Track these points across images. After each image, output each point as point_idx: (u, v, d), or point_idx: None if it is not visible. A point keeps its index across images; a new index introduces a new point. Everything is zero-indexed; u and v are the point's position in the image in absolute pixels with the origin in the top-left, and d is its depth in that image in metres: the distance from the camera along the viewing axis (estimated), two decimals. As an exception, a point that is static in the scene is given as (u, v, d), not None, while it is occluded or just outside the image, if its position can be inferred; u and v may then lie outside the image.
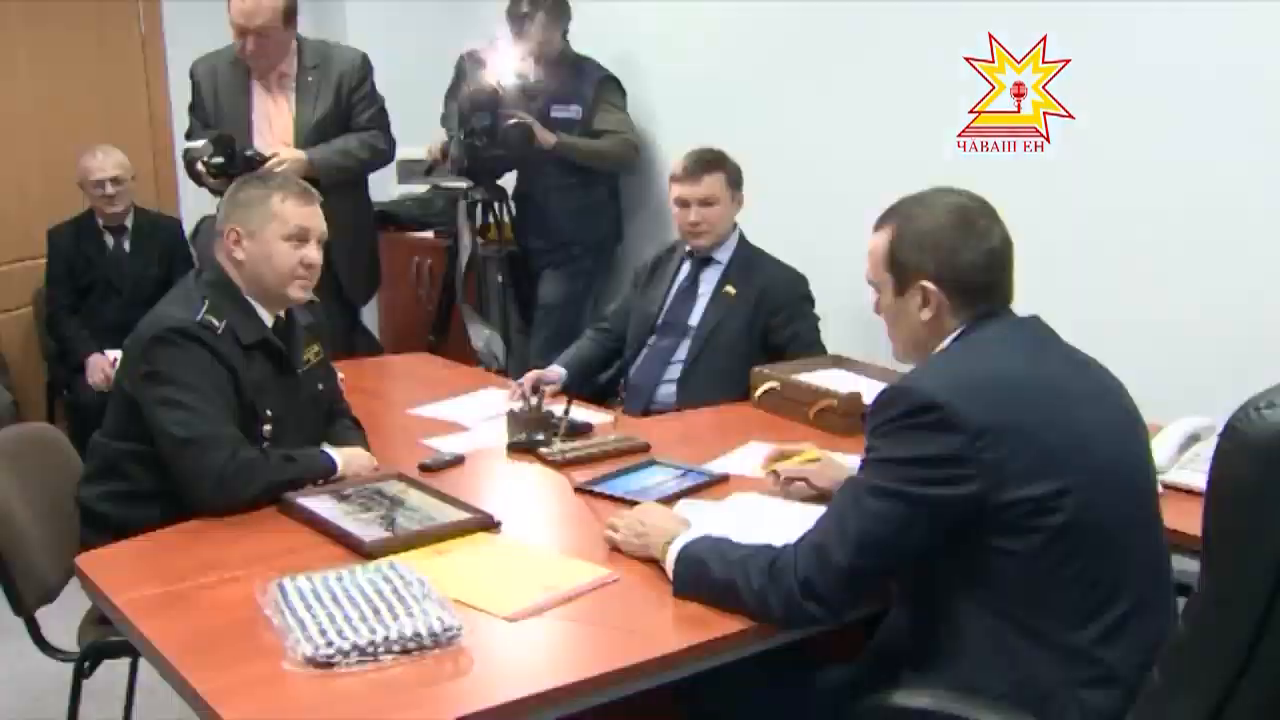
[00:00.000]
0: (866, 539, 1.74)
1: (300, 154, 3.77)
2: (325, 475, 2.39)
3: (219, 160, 3.59)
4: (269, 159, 3.66)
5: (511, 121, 4.06)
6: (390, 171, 5.18)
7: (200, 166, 3.62)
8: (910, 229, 1.88)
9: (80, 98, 4.91)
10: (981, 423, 1.69)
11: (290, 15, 3.78)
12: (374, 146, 3.93)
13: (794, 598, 1.76)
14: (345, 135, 3.89)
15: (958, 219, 1.86)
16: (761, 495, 2.34)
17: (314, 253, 2.46)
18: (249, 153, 3.65)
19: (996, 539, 1.70)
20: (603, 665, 1.71)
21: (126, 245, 4.50)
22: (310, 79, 3.87)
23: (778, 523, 2.10)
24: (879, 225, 1.95)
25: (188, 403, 2.28)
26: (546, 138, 4.15)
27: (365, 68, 3.94)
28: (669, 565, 1.92)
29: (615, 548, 2.06)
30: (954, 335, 1.87)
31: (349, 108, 3.90)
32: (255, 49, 3.74)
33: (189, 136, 3.90)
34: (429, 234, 5.05)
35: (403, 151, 5.13)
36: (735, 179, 3.38)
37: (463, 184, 4.39)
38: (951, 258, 1.85)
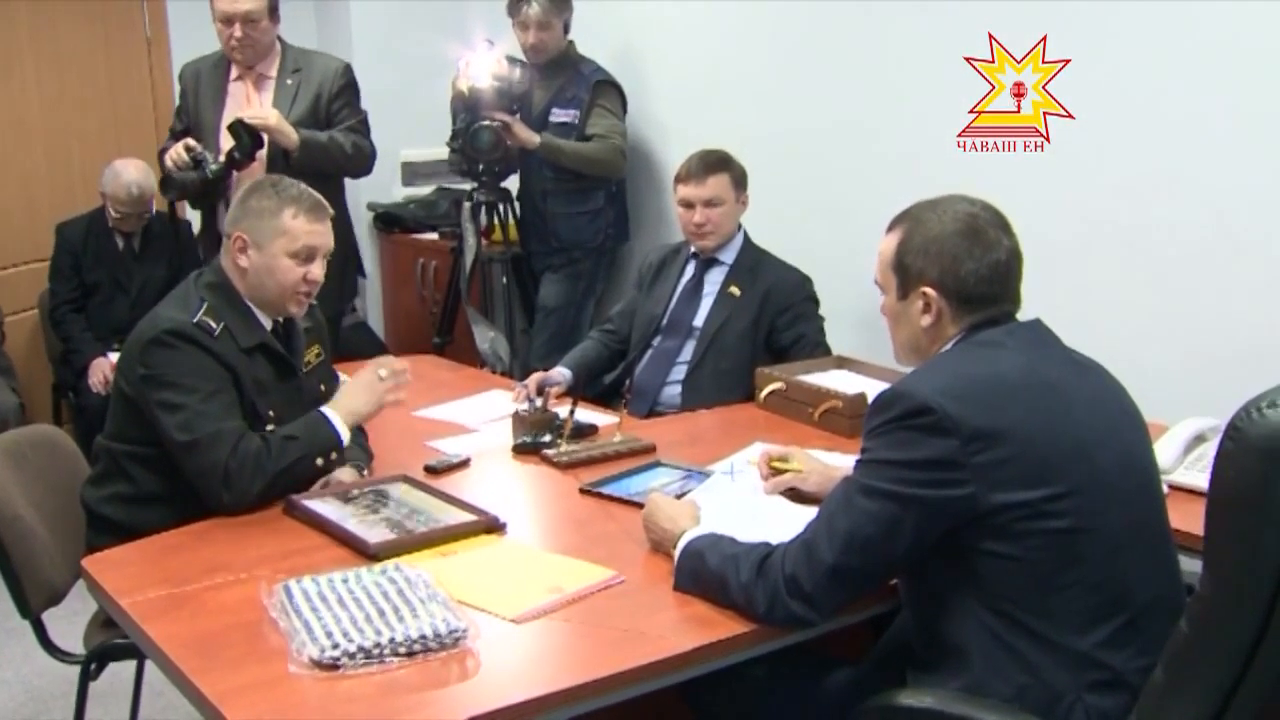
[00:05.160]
0: (855, 538, 1.75)
1: (289, 127, 3.70)
2: (333, 446, 2.38)
3: (194, 175, 3.61)
4: (227, 160, 3.62)
5: (483, 123, 4.06)
6: (395, 173, 5.21)
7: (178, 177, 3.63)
8: (918, 234, 1.89)
9: (86, 100, 4.92)
10: (976, 427, 1.70)
11: (275, 8, 3.77)
12: (358, 145, 3.86)
13: (779, 594, 1.78)
14: (335, 130, 3.84)
15: (966, 228, 1.86)
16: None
17: (318, 270, 2.46)
18: (213, 168, 3.61)
19: (993, 543, 1.71)
20: (609, 667, 1.71)
21: (136, 246, 4.51)
22: (290, 81, 3.83)
23: (783, 518, 2.11)
24: (891, 227, 1.96)
25: (186, 404, 2.28)
26: (529, 138, 4.12)
27: (347, 76, 3.90)
28: (675, 559, 1.95)
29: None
30: (953, 341, 1.88)
31: (328, 115, 3.84)
32: (243, 37, 3.71)
33: (171, 134, 3.92)
34: (433, 236, 5.06)
35: (406, 154, 5.18)
36: (740, 180, 3.38)
37: (467, 185, 4.40)
38: (955, 266, 1.85)
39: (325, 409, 2.43)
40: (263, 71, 3.84)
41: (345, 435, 2.40)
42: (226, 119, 3.73)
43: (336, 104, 3.85)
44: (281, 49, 3.87)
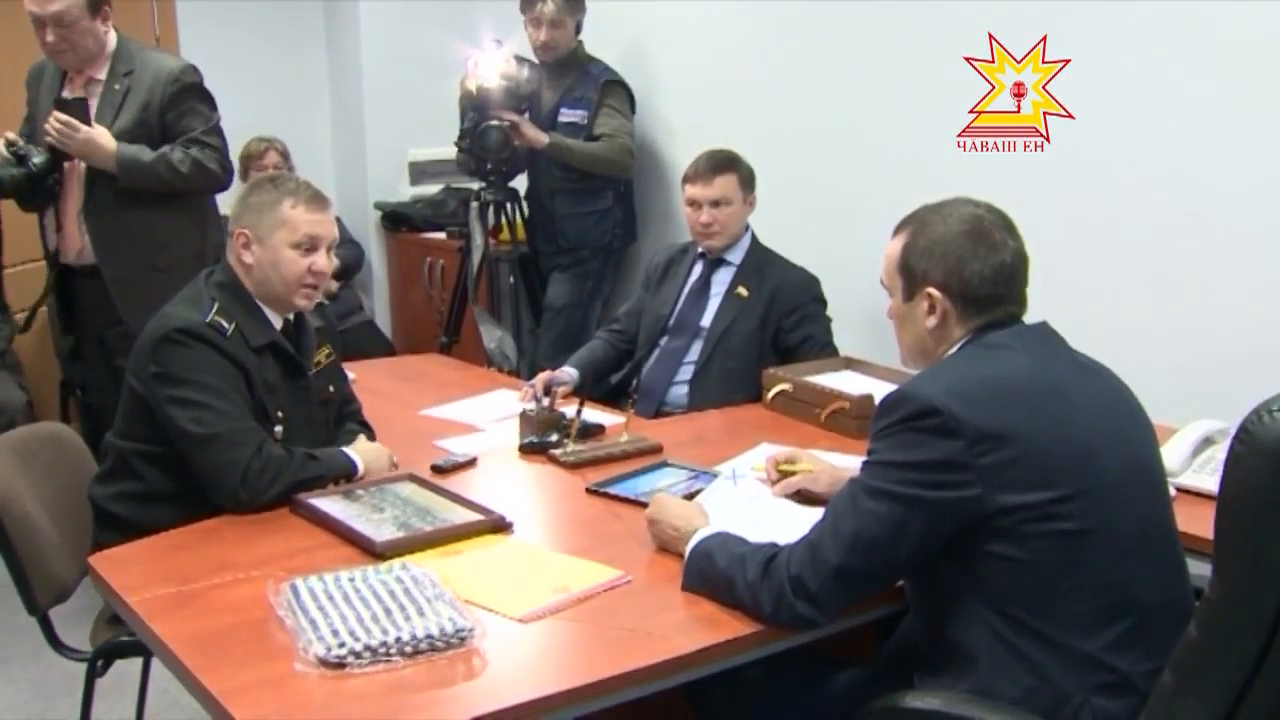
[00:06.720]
0: (860, 538, 1.75)
1: (107, 141, 3.31)
2: (347, 476, 2.40)
3: (16, 172, 3.34)
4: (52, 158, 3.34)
5: (491, 123, 4.07)
6: (402, 173, 5.22)
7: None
8: (923, 236, 1.89)
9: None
10: (981, 428, 1.70)
11: (97, 6, 3.31)
12: (199, 163, 3.38)
13: (784, 595, 1.78)
14: (173, 145, 3.39)
15: (971, 229, 1.87)
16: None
17: (323, 261, 2.46)
18: (36, 161, 3.32)
19: (999, 545, 1.71)
20: (614, 667, 1.71)
21: None
22: (117, 87, 3.39)
23: (791, 520, 2.11)
24: (896, 230, 1.96)
25: (204, 401, 2.29)
26: (538, 138, 4.13)
27: (183, 80, 3.42)
28: (685, 559, 1.95)
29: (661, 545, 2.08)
30: (959, 344, 1.88)
31: (163, 126, 3.39)
32: (56, 40, 3.29)
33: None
34: (441, 235, 5.07)
35: (414, 153, 5.19)
36: (748, 180, 3.39)
37: (475, 185, 4.40)
38: (960, 267, 1.85)
39: (343, 448, 2.47)
40: (92, 74, 3.43)
41: (361, 466, 2.43)
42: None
43: (172, 114, 3.40)
44: (116, 48, 3.43)
